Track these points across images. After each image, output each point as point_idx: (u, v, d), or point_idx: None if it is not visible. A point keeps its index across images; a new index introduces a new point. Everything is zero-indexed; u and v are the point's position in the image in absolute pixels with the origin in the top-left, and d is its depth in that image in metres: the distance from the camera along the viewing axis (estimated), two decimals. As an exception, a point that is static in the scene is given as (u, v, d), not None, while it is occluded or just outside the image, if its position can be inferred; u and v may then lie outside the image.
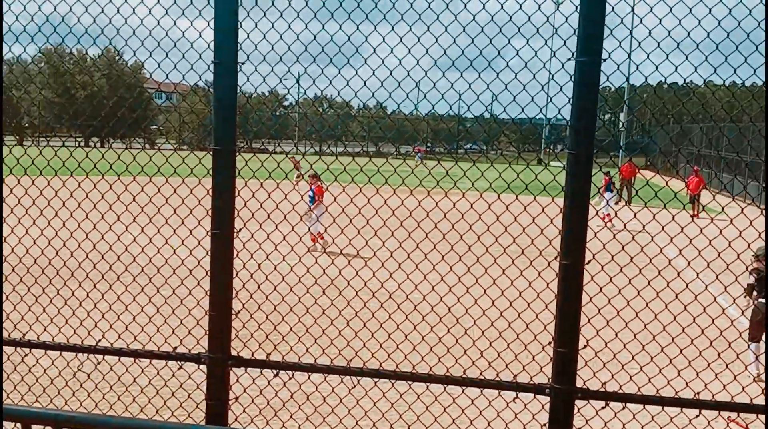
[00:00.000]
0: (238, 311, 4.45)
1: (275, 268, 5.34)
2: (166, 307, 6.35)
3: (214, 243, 4.26)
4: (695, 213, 26.24)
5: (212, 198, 4.21)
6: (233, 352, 4.45)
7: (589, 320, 4.25)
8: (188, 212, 5.08)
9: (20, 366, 6.41)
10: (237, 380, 5.22)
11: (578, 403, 4.05)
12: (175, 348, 4.75)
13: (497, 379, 4.38)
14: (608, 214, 22.42)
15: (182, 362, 4.60)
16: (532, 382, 4.20)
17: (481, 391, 4.86)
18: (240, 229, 4.30)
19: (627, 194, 27.87)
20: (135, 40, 4.70)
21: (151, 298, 5.86)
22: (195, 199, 4.90)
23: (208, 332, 4.38)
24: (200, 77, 4.43)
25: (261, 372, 4.66)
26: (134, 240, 5.84)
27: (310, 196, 16.75)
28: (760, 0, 3.81)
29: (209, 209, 4.22)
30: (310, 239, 16.82)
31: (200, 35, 4.31)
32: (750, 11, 3.86)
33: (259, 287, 5.19)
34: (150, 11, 4.60)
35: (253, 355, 4.88)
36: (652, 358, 5.44)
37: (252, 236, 4.78)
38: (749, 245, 4.73)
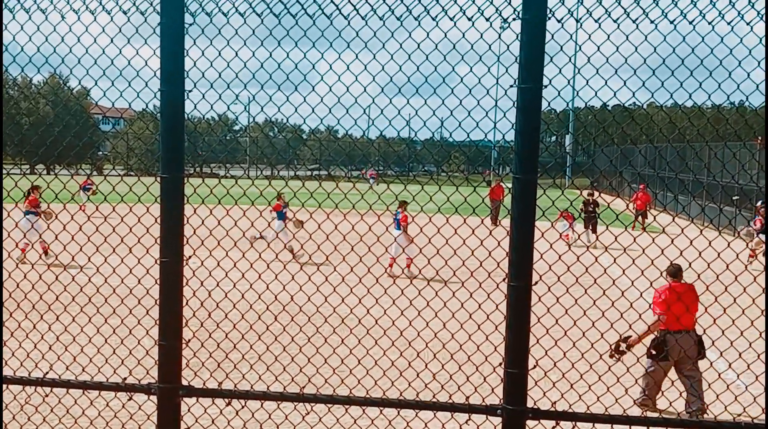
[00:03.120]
0: (189, 340, 4.41)
1: (226, 295, 5.31)
2: (115, 338, 6.26)
3: (163, 271, 4.22)
4: (640, 228, 26.93)
5: (161, 225, 4.19)
6: (184, 382, 4.40)
7: (537, 340, 4.32)
8: (136, 240, 5.03)
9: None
10: (189, 410, 5.15)
11: (529, 422, 4.11)
12: (125, 379, 4.68)
13: (450, 401, 4.42)
14: (567, 235, 22.59)
15: (132, 393, 4.53)
16: (484, 404, 4.24)
17: (435, 414, 4.88)
18: (189, 257, 4.28)
19: (494, 214, 28.53)
20: (80, 68, 4.66)
21: (99, 329, 5.77)
22: (143, 227, 4.86)
23: (158, 362, 4.34)
24: (146, 105, 4.41)
25: (213, 401, 4.62)
26: (81, 269, 5.75)
27: (396, 224, 16.75)
28: (692, 27, 3.96)
29: (158, 237, 4.19)
30: (406, 266, 16.20)
31: (146, 63, 4.31)
32: (684, 38, 4.02)
33: (209, 315, 5.15)
34: (95, 40, 4.58)
35: (204, 384, 4.84)
36: (600, 376, 5.55)
37: (202, 263, 4.76)
38: (690, 264, 4.87)
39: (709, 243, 4.76)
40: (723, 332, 5.39)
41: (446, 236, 4.71)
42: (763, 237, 22.52)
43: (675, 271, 8.60)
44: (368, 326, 6.06)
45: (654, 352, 8.35)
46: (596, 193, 25.17)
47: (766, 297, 4.25)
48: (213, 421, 5.67)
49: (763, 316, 5.24)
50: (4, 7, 4.37)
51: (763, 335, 5.17)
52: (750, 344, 5.22)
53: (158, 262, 4.23)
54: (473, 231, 4.77)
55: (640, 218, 28.43)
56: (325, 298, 5.55)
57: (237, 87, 4.69)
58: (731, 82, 4.10)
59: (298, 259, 16.58)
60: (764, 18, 3.77)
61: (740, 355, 5.57)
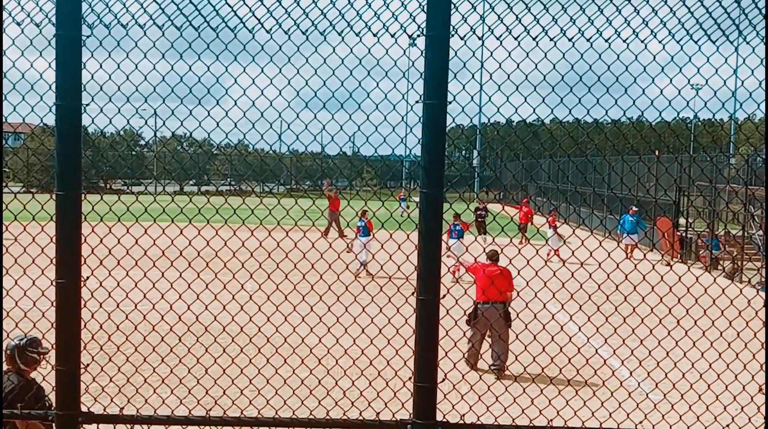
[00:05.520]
0: (88, 364, 4.23)
1: (126, 316, 5.13)
2: (9, 363, 5.94)
3: (60, 293, 4.04)
4: (523, 241, 27.47)
5: (56, 245, 4.01)
6: (83, 408, 4.22)
7: (446, 353, 4.34)
8: (30, 261, 4.80)
9: None
10: (88, 437, 4.94)
11: (438, 436, 4.11)
12: (21, 406, 4.45)
13: (360, 418, 4.38)
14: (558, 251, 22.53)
15: (28, 421, 4.31)
16: (394, 419, 4.22)
17: (344, 431, 4.83)
18: (87, 277, 4.11)
19: (337, 226, 29.15)
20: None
21: (-8, 355, 5.47)
22: (38, 247, 4.64)
23: (55, 388, 4.14)
24: (41, 120, 4.23)
25: (114, 427, 4.44)
26: (-29, 293, 5.45)
27: (458, 232, 18.29)
28: (590, 45, 4.08)
29: (53, 257, 4.01)
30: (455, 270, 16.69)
31: (41, 76, 4.13)
32: (582, 55, 4.14)
33: (109, 338, 4.96)
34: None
35: (105, 409, 4.65)
36: (506, 387, 5.62)
37: (101, 284, 4.58)
38: (590, 275, 5.01)
39: (608, 254, 4.90)
40: (624, 341, 5.56)
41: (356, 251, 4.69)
42: (636, 237, 24.74)
43: (491, 255, 10.83)
44: (277, 344, 5.96)
45: (468, 319, 10.08)
46: (485, 203, 31.16)
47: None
48: (115, 448, 5.46)
49: (661, 325, 5.44)
50: None
51: (663, 343, 5.36)
52: (650, 352, 5.40)
53: (54, 283, 4.05)
54: (382, 246, 4.77)
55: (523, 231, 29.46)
56: (232, 317, 5.42)
57: (139, 101, 4.55)
58: (627, 98, 4.25)
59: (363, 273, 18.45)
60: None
61: (641, 363, 5.76)
